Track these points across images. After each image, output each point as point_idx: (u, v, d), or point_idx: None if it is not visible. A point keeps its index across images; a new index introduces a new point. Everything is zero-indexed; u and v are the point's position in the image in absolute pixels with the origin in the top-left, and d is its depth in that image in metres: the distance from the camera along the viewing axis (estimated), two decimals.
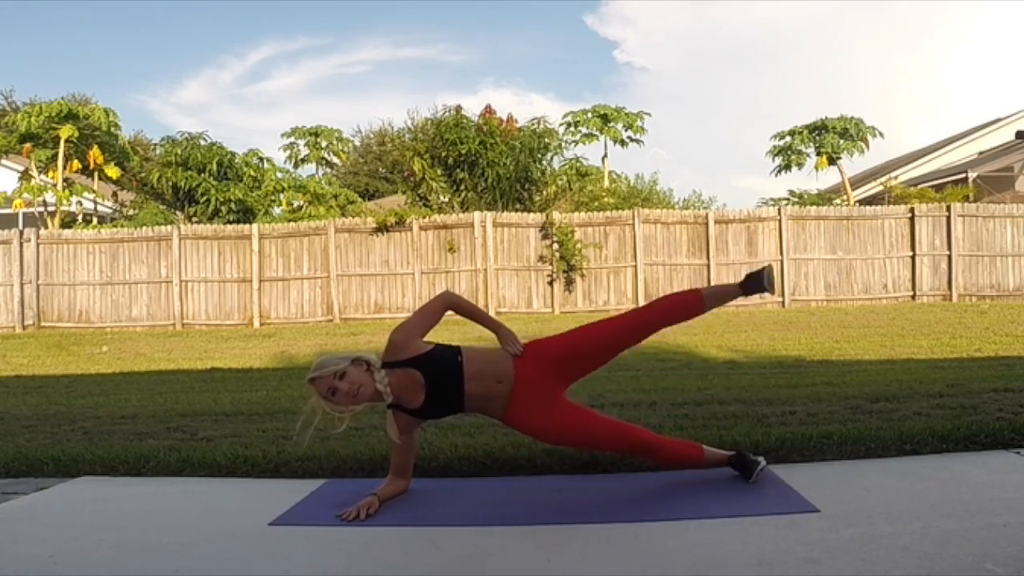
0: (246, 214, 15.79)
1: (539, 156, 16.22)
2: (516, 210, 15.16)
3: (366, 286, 13.98)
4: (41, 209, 15.99)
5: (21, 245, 13.74)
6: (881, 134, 17.22)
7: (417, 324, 2.94)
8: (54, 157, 15.99)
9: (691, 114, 57.07)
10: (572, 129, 18.21)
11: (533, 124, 16.37)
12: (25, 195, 15.76)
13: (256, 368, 8.21)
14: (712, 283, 13.94)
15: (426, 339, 2.93)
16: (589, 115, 18.13)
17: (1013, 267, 14.35)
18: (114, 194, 18.32)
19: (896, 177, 19.30)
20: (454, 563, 2.40)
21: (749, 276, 3.09)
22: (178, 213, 16.32)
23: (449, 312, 2.98)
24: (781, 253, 14.12)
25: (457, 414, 3.02)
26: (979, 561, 2.17)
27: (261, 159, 17.53)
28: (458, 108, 16.19)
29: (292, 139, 20.40)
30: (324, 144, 20.50)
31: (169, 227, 14.26)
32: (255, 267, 13.89)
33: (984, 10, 52.07)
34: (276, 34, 60.35)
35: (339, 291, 13.90)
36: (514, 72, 59.63)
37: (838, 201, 17.76)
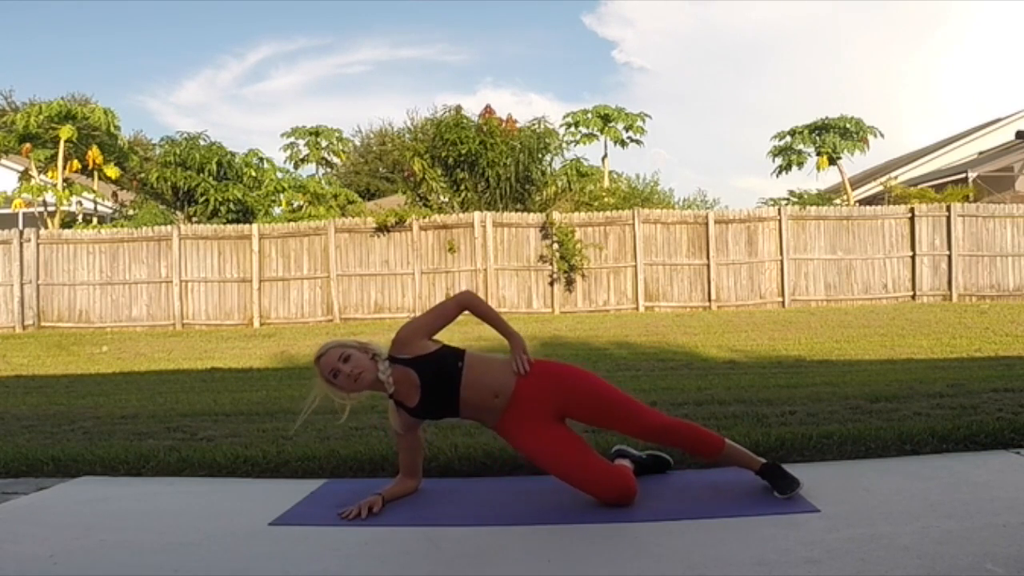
0: (246, 214, 15.79)
1: (539, 156, 16.22)
2: (516, 210, 15.15)
3: (366, 286, 13.98)
4: (41, 209, 15.99)
5: (21, 245, 13.74)
6: (881, 134, 17.23)
7: (426, 323, 2.94)
8: (54, 157, 15.99)
9: (691, 114, 57.14)
10: (572, 129, 18.23)
11: (533, 124, 16.37)
12: (25, 195, 15.77)
13: (256, 368, 8.21)
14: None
15: (437, 337, 2.90)
16: (590, 115, 18.14)
17: (1013, 267, 14.34)
18: (114, 194, 18.33)
19: (896, 177, 19.28)
20: (454, 563, 2.40)
21: (778, 467, 2.83)
22: (178, 213, 16.32)
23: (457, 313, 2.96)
24: (781, 253, 14.12)
25: (454, 418, 2.95)
26: (979, 561, 2.16)
27: (261, 159, 17.54)
28: (458, 108, 16.21)
29: (292, 139, 20.40)
30: (324, 144, 20.49)
31: (169, 227, 14.26)
32: (255, 267, 13.89)
33: (983, 10, 52.16)
34: (274, 34, 60.45)
35: (339, 291, 13.90)
36: (513, 72, 59.73)
37: (838, 201, 17.75)
